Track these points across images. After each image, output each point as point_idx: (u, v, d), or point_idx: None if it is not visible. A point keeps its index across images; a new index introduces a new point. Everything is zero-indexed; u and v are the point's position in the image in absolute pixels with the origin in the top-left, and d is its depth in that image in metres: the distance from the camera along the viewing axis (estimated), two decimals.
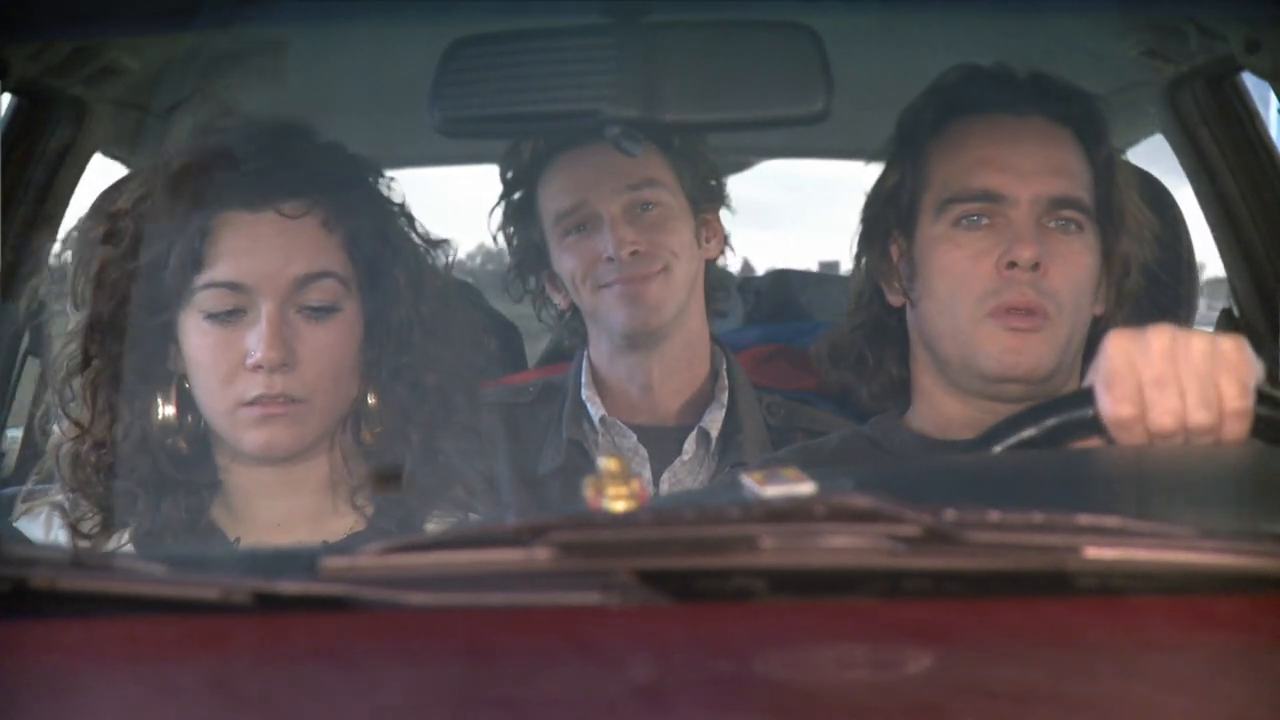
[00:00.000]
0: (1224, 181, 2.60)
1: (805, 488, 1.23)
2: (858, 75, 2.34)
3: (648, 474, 2.36)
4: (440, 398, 1.89)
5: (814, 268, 3.48)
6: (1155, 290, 2.22)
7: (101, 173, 2.62)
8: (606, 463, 1.25)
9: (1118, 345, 1.54)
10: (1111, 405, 1.53)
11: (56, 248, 2.16)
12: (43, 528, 1.88)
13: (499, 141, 2.48)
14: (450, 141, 2.90)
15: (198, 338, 1.81)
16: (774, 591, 1.18)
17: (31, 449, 2.65)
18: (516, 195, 2.43)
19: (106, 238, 1.86)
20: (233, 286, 1.80)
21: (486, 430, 1.97)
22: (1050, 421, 1.56)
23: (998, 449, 1.55)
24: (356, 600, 1.17)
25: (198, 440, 1.86)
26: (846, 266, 2.25)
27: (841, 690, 1.07)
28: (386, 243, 1.88)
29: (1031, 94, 2.05)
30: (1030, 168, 1.99)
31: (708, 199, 2.42)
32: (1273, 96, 2.51)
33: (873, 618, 1.17)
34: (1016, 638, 1.15)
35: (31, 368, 2.64)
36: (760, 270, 3.29)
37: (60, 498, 1.89)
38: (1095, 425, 1.54)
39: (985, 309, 1.96)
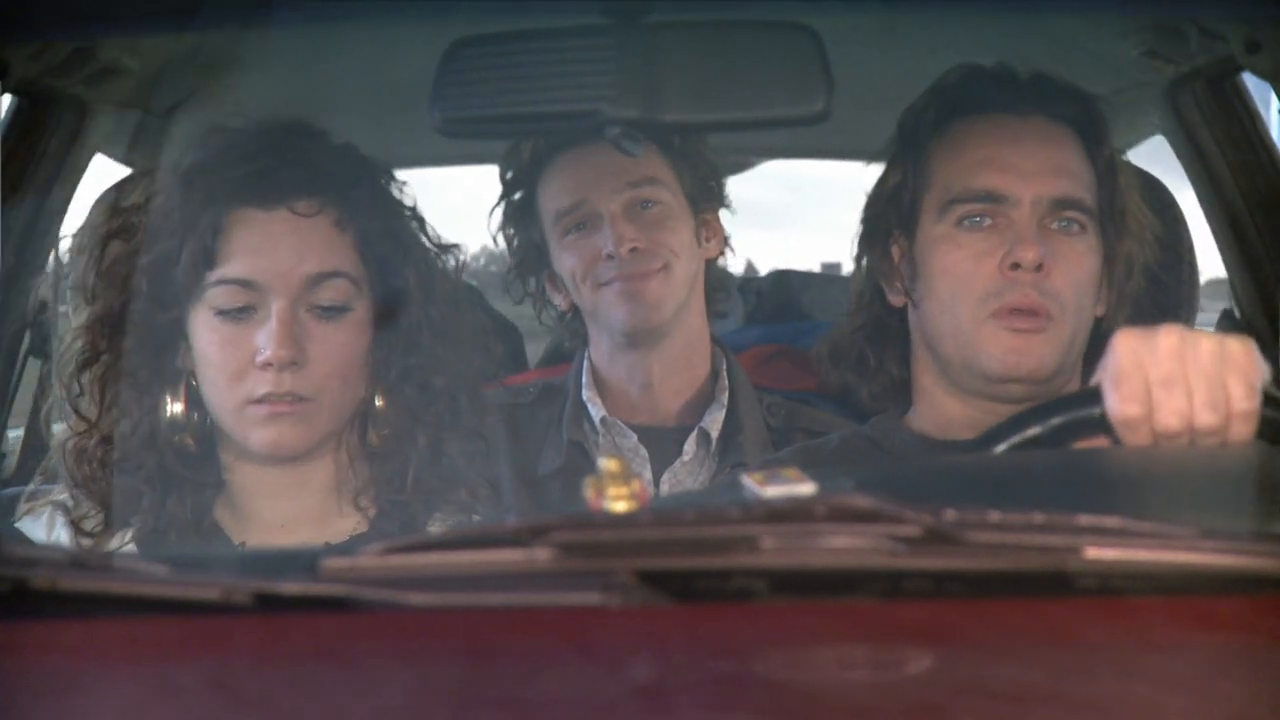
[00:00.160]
0: (1225, 182, 2.60)
1: (805, 488, 1.23)
2: (858, 76, 2.33)
3: (648, 474, 2.36)
4: (448, 401, 1.89)
5: (816, 268, 3.49)
6: (1156, 291, 2.22)
7: (102, 173, 2.62)
8: (607, 463, 1.25)
9: (1126, 344, 1.54)
10: (1119, 404, 1.53)
11: (64, 244, 2.16)
12: (45, 527, 1.89)
13: (499, 142, 2.48)
14: (451, 142, 2.90)
15: (207, 334, 1.82)
16: (774, 592, 1.18)
17: (33, 449, 2.66)
18: (516, 196, 2.44)
19: (119, 233, 1.87)
20: (244, 284, 1.80)
21: (487, 431, 1.98)
22: (1057, 420, 1.56)
23: (1003, 447, 1.55)
24: (357, 601, 1.17)
25: (205, 438, 1.86)
26: (849, 267, 2.25)
27: (842, 691, 1.07)
28: (398, 244, 1.89)
29: (1033, 94, 2.05)
30: (1032, 168, 1.99)
31: (707, 199, 2.42)
32: (1273, 97, 2.51)
33: (873, 618, 1.17)
34: (1017, 638, 1.15)
35: (32, 368, 2.65)
36: (763, 271, 3.29)
37: (63, 497, 1.89)
38: (1102, 424, 1.54)
39: (988, 309, 1.96)
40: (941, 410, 2.07)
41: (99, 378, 1.84)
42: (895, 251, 2.09)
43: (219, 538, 1.86)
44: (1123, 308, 2.07)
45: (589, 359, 2.43)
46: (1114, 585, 1.19)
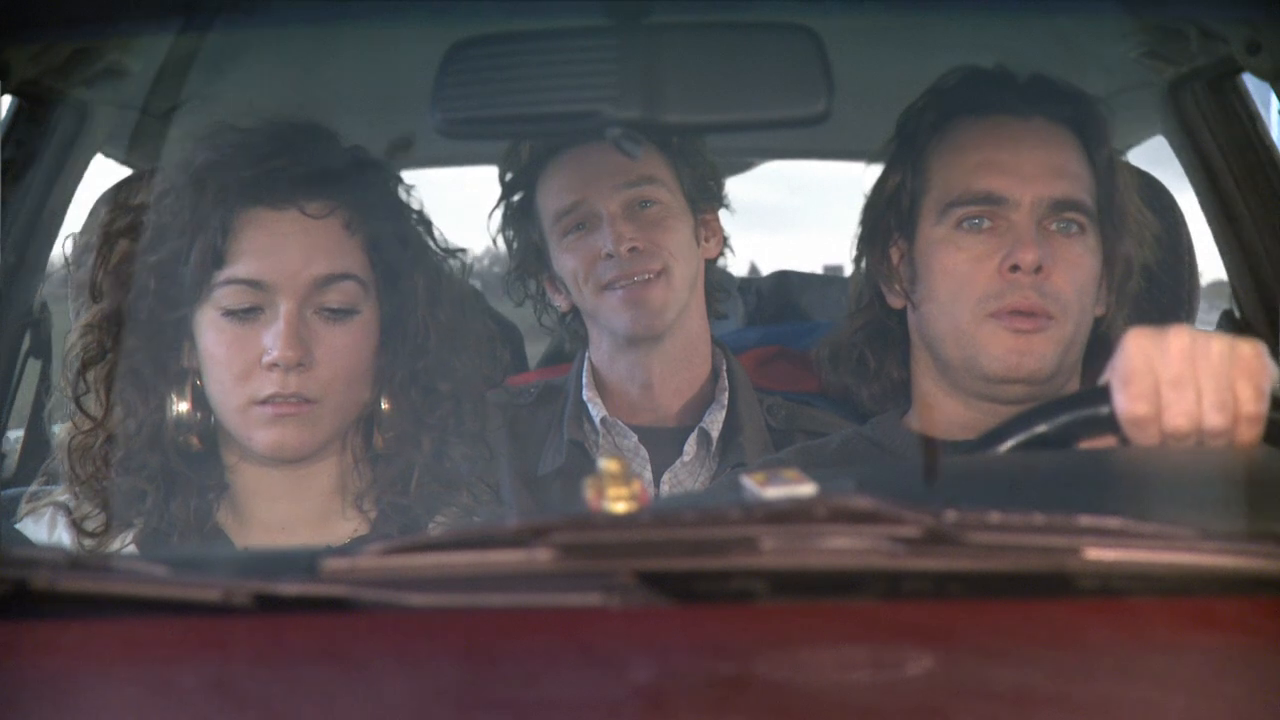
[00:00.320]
0: (1225, 183, 2.60)
1: (806, 489, 1.23)
2: (859, 76, 2.33)
3: (648, 475, 2.36)
4: (452, 405, 1.89)
5: (819, 269, 3.48)
6: (1156, 291, 2.22)
7: (102, 174, 2.62)
8: (607, 464, 1.25)
9: (1136, 344, 1.54)
10: (1127, 403, 1.52)
11: (66, 245, 2.16)
12: (46, 528, 1.89)
13: (500, 143, 2.48)
14: (452, 143, 2.90)
15: (214, 334, 1.81)
16: (774, 593, 1.18)
17: (33, 450, 2.66)
18: (515, 197, 2.44)
19: (127, 231, 1.87)
20: (252, 284, 1.80)
21: (490, 435, 1.98)
22: (1064, 418, 1.55)
23: (1010, 445, 1.55)
24: (357, 601, 1.17)
25: (209, 438, 1.86)
26: (850, 268, 2.25)
27: (842, 692, 1.07)
28: (407, 248, 1.89)
29: (1032, 96, 2.05)
30: (1032, 170, 1.99)
31: (707, 199, 2.42)
32: (1273, 98, 2.51)
33: (873, 619, 1.17)
34: (1017, 639, 1.15)
35: (32, 368, 2.65)
36: (766, 271, 3.29)
37: (64, 498, 1.89)
38: (1110, 423, 1.54)
39: (987, 310, 1.96)
40: (941, 411, 2.07)
41: (104, 376, 1.84)
42: (895, 253, 2.09)
43: (220, 540, 1.86)
44: (1123, 308, 2.08)
45: (589, 359, 2.44)
46: (1114, 586, 1.19)
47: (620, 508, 1.23)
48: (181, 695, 1.10)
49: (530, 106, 1.86)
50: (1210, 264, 2.69)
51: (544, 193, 2.39)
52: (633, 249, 2.31)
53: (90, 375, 1.85)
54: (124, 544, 1.84)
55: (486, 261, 2.50)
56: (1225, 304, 2.74)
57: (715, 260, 2.47)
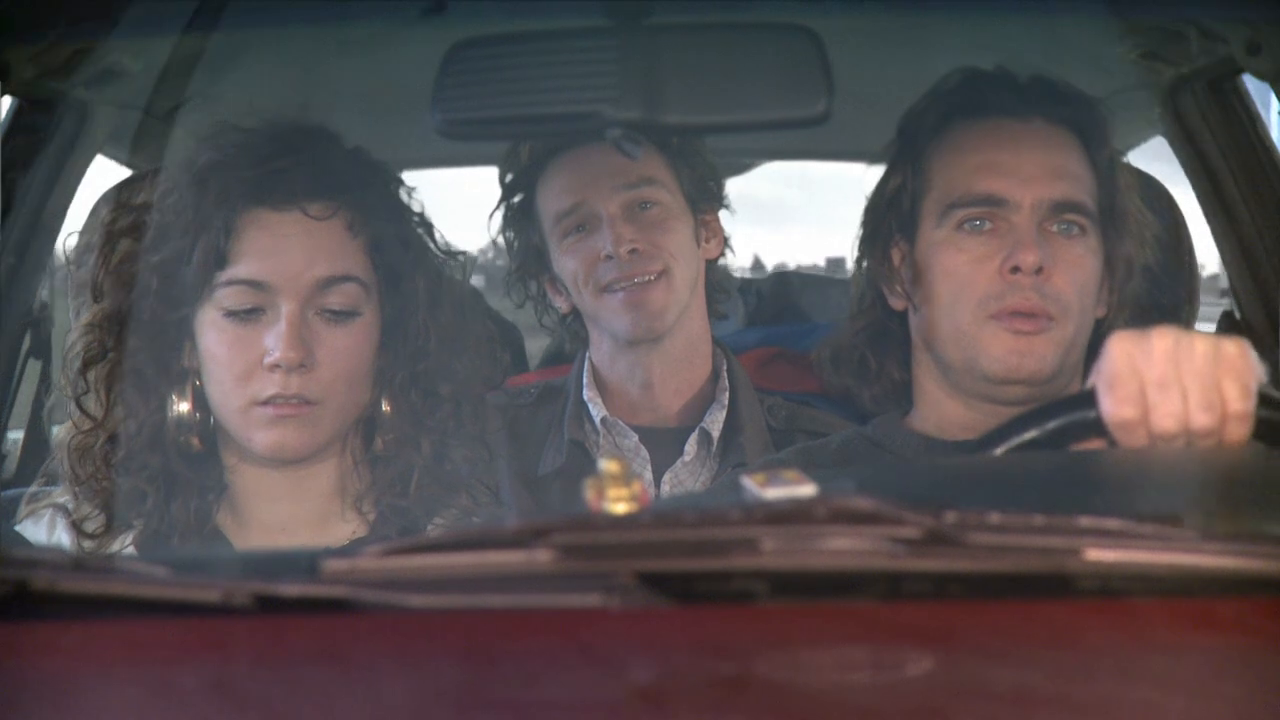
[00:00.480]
0: (1225, 183, 2.60)
1: (806, 489, 1.23)
2: (859, 77, 2.33)
3: (649, 475, 2.36)
4: (452, 407, 1.89)
5: (822, 262, 3.49)
6: (1157, 292, 2.22)
7: (103, 174, 2.62)
8: (607, 465, 1.25)
9: (1120, 347, 1.54)
10: (1113, 407, 1.53)
11: (70, 244, 2.16)
12: (46, 529, 1.88)
13: (501, 144, 2.48)
14: (452, 144, 2.90)
15: (215, 334, 1.81)
16: (775, 594, 1.18)
17: (33, 450, 2.66)
18: (516, 199, 2.44)
19: (129, 230, 1.86)
20: (254, 285, 1.80)
21: (490, 437, 1.98)
22: (1052, 423, 1.56)
23: (999, 451, 1.55)
24: (357, 602, 1.17)
25: (209, 439, 1.86)
26: (852, 266, 2.25)
27: (842, 692, 1.07)
28: (408, 250, 1.89)
29: (1033, 97, 2.05)
30: (1032, 172, 1.99)
31: (707, 199, 2.42)
32: (1273, 98, 2.51)
33: (873, 620, 1.17)
34: (1017, 640, 1.15)
35: (33, 369, 2.65)
36: (770, 268, 3.30)
37: (64, 499, 1.89)
38: (1097, 427, 1.54)
39: (988, 312, 1.96)
40: (942, 412, 2.07)
41: (105, 376, 1.84)
42: (896, 255, 2.09)
43: (219, 541, 1.86)
44: (1123, 309, 2.08)
45: (589, 359, 2.44)
46: (1114, 587, 1.19)
47: (620, 508, 1.23)
48: (182, 696, 1.10)
49: (530, 107, 1.86)
50: (1210, 264, 2.69)
51: (544, 194, 2.40)
52: (633, 250, 2.31)
53: (90, 375, 1.85)
54: (124, 545, 1.84)
55: (491, 254, 2.49)
56: (1225, 304, 2.74)
57: (716, 261, 2.47)
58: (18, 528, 1.90)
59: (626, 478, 1.24)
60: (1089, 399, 1.55)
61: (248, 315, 1.80)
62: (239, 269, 1.80)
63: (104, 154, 2.63)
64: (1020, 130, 2.03)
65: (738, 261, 2.69)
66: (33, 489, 1.97)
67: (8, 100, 2.33)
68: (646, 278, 2.32)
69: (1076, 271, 1.99)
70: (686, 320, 2.38)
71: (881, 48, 2.63)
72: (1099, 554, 1.19)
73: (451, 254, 1.94)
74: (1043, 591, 1.20)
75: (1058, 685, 1.08)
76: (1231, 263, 2.65)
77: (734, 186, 2.56)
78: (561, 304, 2.45)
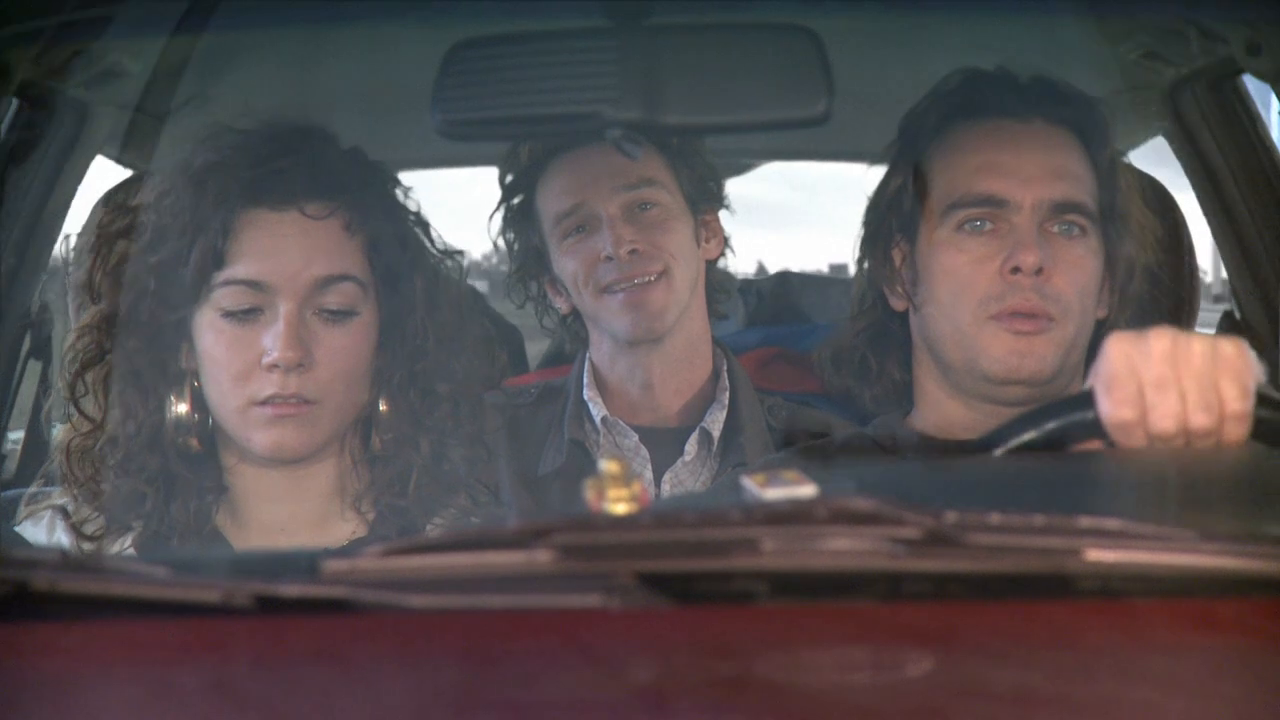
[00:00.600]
0: (1225, 184, 2.60)
1: (806, 490, 1.23)
2: (860, 78, 2.33)
3: (649, 474, 2.36)
4: (451, 406, 1.89)
5: (825, 268, 3.49)
6: (1157, 292, 2.22)
7: (103, 175, 2.62)
8: (607, 465, 1.25)
9: (1118, 348, 1.54)
10: (1112, 408, 1.53)
11: (69, 245, 2.16)
12: (45, 531, 1.88)
13: (501, 144, 2.48)
14: (452, 144, 2.90)
15: (213, 335, 1.81)
16: (775, 594, 1.18)
17: (33, 451, 2.66)
18: (515, 200, 2.44)
19: (126, 232, 1.86)
20: (252, 285, 1.80)
21: (488, 437, 1.98)
22: (1050, 424, 1.56)
23: (998, 453, 1.55)
24: (357, 603, 1.17)
25: (208, 440, 1.86)
26: (853, 268, 2.25)
27: (843, 693, 1.07)
28: (405, 249, 1.89)
29: (1034, 98, 2.05)
30: (1033, 173, 1.99)
31: (706, 199, 2.42)
32: (1274, 99, 2.51)
33: (874, 620, 1.17)
34: (1017, 640, 1.15)
35: (33, 370, 2.65)
36: (773, 270, 3.29)
37: (63, 501, 1.89)
38: (1096, 428, 1.54)
39: (988, 312, 1.96)
40: (943, 413, 2.07)
41: (102, 378, 1.84)
42: (897, 255, 2.09)
43: (219, 542, 1.86)
44: (1124, 310, 2.08)
45: (590, 360, 2.44)
46: (1114, 587, 1.19)
47: (620, 509, 1.23)
48: (182, 696, 1.10)
49: (531, 108, 1.86)
50: (1211, 264, 2.69)
51: (544, 195, 2.40)
52: (633, 251, 2.31)
53: (89, 377, 1.85)
54: (123, 547, 1.84)
55: (495, 259, 2.49)
56: (1226, 304, 2.74)
57: (716, 261, 2.47)
58: (17, 529, 1.90)
59: (626, 478, 1.24)
60: (1087, 400, 1.55)
61: (246, 315, 1.80)
62: (237, 269, 1.80)
63: (103, 154, 2.63)
64: (1021, 131, 2.03)
65: (741, 265, 2.69)
66: (31, 490, 1.97)
67: (7, 101, 2.33)
68: (646, 278, 2.32)
69: (1077, 272, 1.99)
70: (687, 320, 2.38)
71: (882, 48, 2.63)
72: (1099, 554, 1.19)
73: (449, 254, 1.94)
74: (1043, 592, 1.20)
75: (1058, 685, 1.08)
76: (1231, 263, 2.65)
77: (736, 188, 2.56)
78: (561, 305, 2.45)
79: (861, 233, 2.15)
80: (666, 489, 2.36)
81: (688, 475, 2.36)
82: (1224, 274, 2.84)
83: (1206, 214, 2.66)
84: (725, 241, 2.47)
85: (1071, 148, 2.04)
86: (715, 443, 2.36)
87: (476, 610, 1.17)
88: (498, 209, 2.45)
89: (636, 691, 1.07)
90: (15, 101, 2.34)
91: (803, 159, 3.92)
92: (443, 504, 1.89)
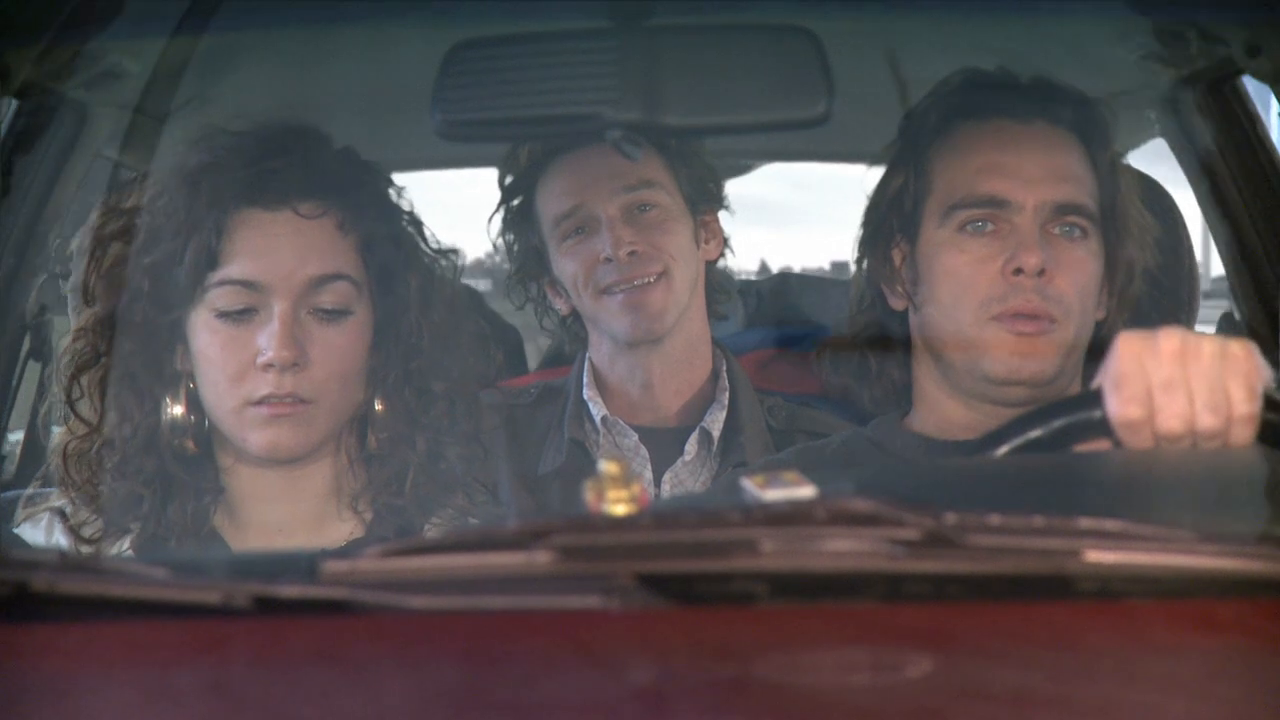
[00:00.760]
0: (1225, 185, 2.60)
1: (806, 491, 1.23)
2: (860, 79, 2.33)
3: (649, 474, 2.36)
4: (446, 405, 1.89)
5: (826, 267, 3.49)
6: (1157, 294, 2.22)
7: (103, 176, 2.62)
8: (607, 466, 1.24)
9: (1128, 347, 1.54)
10: (1120, 407, 1.53)
11: (66, 246, 2.16)
12: (44, 533, 1.88)
13: (502, 145, 2.48)
14: (452, 145, 2.90)
15: (208, 336, 1.81)
16: (774, 595, 1.18)
17: (33, 452, 2.66)
18: (515, 201, 2.44)
19: (119, 234, 1.87)
20: (246, 285, 1.80)
21: (485, 436, 1.98)
22: (1058, 422, 1.56)
23: (1004, 449, 1.55)
24: (357, 604, 1.17)
25: (204, 441, 1.86)
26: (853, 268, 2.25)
27: (842, 694, 1.07)
28: (399, 248, 1.89)
29: (1035, 99, 2.06)
30: (1035, 174, 1.99)
31: (706, 200, 2.42)
32: (1273, 100, 2.51)
33: (873, 621, 1.17)
34: (1017, 641, 1.15)
35: (32, 371, 2.64)
36: (774, 269, 3.30)
37: (61, 503, 1.89)
38: (1103, 427, 1.54)
39: (990, 313, 1.96)
40: (943, 413, 2.07)
41: (98, 380, 1.84)
42: (897, 255, 2.09)
43: (217, 543, 1.86)
44: (1123, 311, 2.08)
45: (590, 360, 2.44)
46: (1114, 588, 1.19)
47: (620, 510, 1.23)
48: (181, 697, 1.10)
49: (531, 109, 1.87)
50: (1210, 265, 2.69)
51: (543, 197, 2.40)
52: (632, 253, 2.31)
53: (84, 380, 1.85)
54: (121, 549, 1.84)
55: (498, 258, 2.49)
56: (1225, 305, 2.74)
57: (716, 261, 2.47)
58: (15, 531, 1.90)
59: (626, 479, 1.24)
60: (1095, 398, 1.55)
61: (240, 316, 1.80)
62: (231, 269, 1.80)
63: (104, 156, 2.63)
64: (1022, 132, 2.03)
65: (743, 264, 2.69)
66: (29, 492, 1.96)
67: (7, 102, 2.33)
68: (646, 280, 2.32)
69: (1078, 274, 1.99)
70: (686, 321, 2.39)
71: (881, 50, 2.63)
72: (1098, 556, 1.19)
73: (442, 252, 1.94)
74: (1042, 593, 1.20)
75: (1058, 687, 1.08)
76: (1231, 265, 2.65)
77: (738, 189, 2.56)
78: (561, 306, 2.45)
79: (861, 232, 2.15)
80: (666, 489, 2.36)
81: (688, 475, 2.36)
82: (1213, 273, 2.84)
83: (1206, 215, 2.66)
84: (725, 242, 2.48)
85: (1073, 149, 2.04)
86: (715, 443, 2.37)
87: (476, 611, 1.17)
88: (497, 210, 2.46)
89: (636, 692, 1.07)
90: (15, 102, 2.34)
91: (804, 160, 3.92)
92: (440, 503, 1.89)
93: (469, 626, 1.16)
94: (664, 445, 2.39)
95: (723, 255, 2.48)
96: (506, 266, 2.50)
